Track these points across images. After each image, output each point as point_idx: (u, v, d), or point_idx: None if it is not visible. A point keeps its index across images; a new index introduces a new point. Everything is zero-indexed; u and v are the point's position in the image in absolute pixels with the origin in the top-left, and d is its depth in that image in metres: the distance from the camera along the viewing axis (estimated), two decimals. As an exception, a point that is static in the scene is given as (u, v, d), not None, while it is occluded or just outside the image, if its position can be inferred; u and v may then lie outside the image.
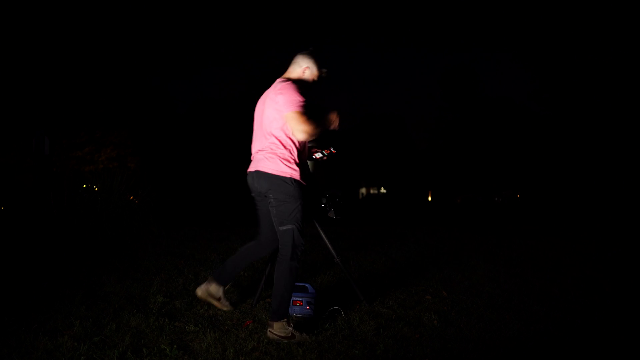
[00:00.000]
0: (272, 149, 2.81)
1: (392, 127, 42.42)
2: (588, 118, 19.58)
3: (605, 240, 7.62)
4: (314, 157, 3.10)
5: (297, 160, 2.85)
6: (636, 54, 16.20)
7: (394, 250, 6.04)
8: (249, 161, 2.99)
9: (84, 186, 8.67)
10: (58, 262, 4.81)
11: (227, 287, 3.23)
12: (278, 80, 3.00)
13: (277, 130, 2.81)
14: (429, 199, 39.93)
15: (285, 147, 2.81)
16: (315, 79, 3.02)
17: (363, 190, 47.95)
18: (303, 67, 3.00)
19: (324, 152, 3.11)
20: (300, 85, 2.89)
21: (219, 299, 3.15)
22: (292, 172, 2.80)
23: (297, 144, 2.86)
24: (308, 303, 3.10)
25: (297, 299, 3.11)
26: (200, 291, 3.14)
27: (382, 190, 48.21)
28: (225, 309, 3.16)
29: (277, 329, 2.70)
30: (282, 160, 2.79)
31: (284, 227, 2.78)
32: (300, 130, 2.72)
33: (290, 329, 2.70)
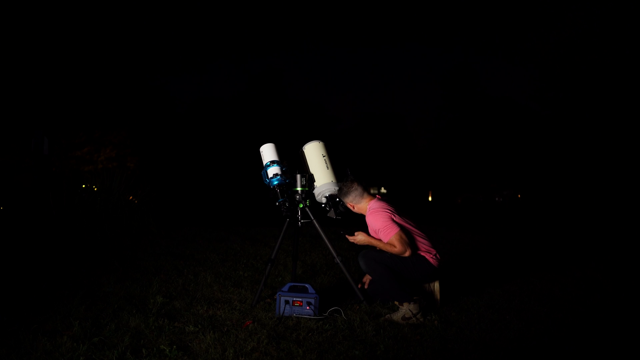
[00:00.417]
0: None
1: (393, 126, 42.42)
2: (590, 118, 19.58)
3: (607, 240, 7.61)
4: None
5: None
6: (638, 54, 16.22)
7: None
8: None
9: (83, 186, 8.65)
10: (57, 263, 4.80)
11: None
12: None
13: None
14: (430, 199, 39.91)
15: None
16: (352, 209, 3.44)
17: (363, 190, 47.84)
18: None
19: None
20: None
21: None
22: None
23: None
24: (308, 303, 3.09)
25: (297, 299, 3.10)
26: None
27: (383, 190, 48.20)
28: None
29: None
30: None
31: None
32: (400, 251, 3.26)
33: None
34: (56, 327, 2.80)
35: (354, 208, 3.34)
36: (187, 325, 2.88)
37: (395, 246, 3.10)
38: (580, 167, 22.43)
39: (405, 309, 3.04)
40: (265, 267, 3.51)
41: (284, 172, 3.33)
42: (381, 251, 3.16)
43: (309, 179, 3.42)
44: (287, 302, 3.11)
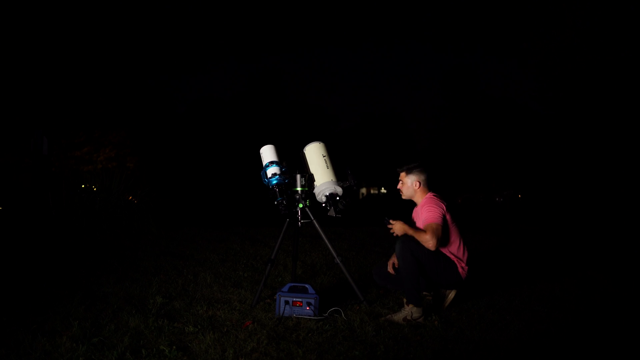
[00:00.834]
0: None
1: (393, 126, 42.45)
2: (591, 118, 19.54)
3: (607, 241, 7.61)
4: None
5: None
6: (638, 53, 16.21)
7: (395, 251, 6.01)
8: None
9: (83, 186, 8.65)
10: (56, 263, 4.79)
11: None
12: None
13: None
14: (429, 199, 39.88)
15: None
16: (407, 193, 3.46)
17: (363, 190, 47.97)
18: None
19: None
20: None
21: None
22: None
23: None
24: (308, 304, 3.09)
25: (297, 299, 3.09)
26: None
27: (383, 190, 48.22)
28: None
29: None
30: None
31: None
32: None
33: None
34: (55, 327, 2.79)
35: (416, 186, 3.36)
36: (186, 325, 2.87)
37: (426, 233, 3.08)
38: (581, 167, 22.40)
39: (408, 311, 3.03)
40: (265, 268, 3.50)
41: (283, 172, 3.35)
42: (420, 245, 3.12)
43: (309, 179, 3.42)
44: (287, 302, 3.10)
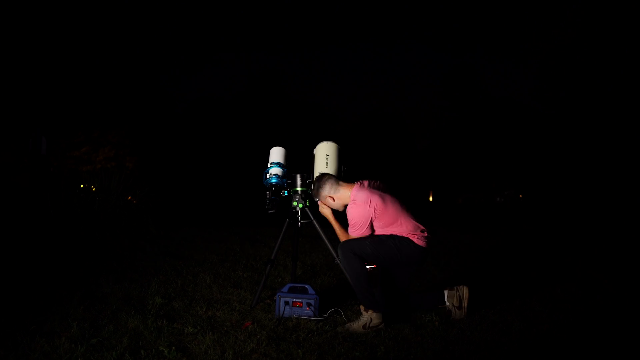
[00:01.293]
0: None
1: (393, 126, 42.41)
2: (592, 117, 19.53)
3: (608, 241, 7.61)
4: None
5: None
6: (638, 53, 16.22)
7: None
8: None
9: (82, 186, 8.64)
10: (55, 263, 4.77)
11: None
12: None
13: None
14: (430, 199, 39.92)
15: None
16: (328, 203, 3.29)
17: (363, 191, 47.81)
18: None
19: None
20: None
21: None
22: None
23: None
24: (308, 304, 3.07)
25: (297, 300, 3.08)
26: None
27: (383, 190, 48.07)
28: None
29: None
30: None
31: None
32: None
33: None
34: (54, 328, 2.78)
35: (334, 200, 3.16)
36: (186, 326, 2.86)
37: (347, 232, 3.13)
38: (582, 166, 22.38)
39: (367, 317, 2.92)
40: (265, 268, 3.49)
41: (283, 175, 3.38)
42: (361, 242, 3.03)
43: (309, 179, 3.42)
44: (286, 303, 3.09)
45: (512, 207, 23.85)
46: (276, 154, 3.51)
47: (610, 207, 17.46)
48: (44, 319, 2.92)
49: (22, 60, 23.54)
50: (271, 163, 3.45)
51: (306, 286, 3.20)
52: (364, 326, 2.90)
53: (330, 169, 3.34)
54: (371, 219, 3.06)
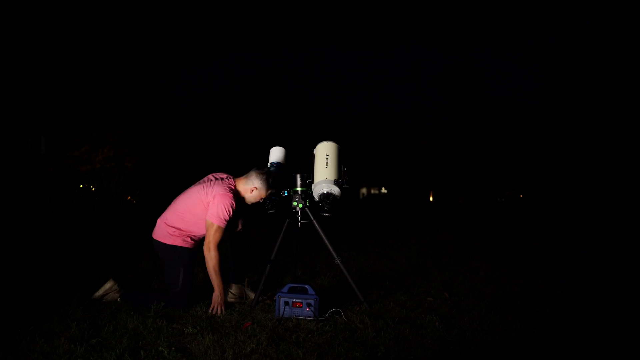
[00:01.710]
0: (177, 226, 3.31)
1: (393, 126, 42.41)
2: (593, 117, 19.50)
3: (609, 241, 7.60)
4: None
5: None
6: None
7: (395, 251, 6.01)
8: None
9: (81, 186, 8.63)
10: (55, 264, 4.76)
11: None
12: (226, 178, 3.35)
13: (191, 216, 3.30)
14: (431, 199, 39.93)
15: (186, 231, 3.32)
16: (260, 200, 3.36)
17: (364, 191, 47.93)
18: (251, 187, 3.31)
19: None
20: (237, 199, 3.28)
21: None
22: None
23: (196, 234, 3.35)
24: (308, 305, 3.07)
25: (297, 300, 3.07)
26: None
27: (383, 190, 48.19)
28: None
29: None
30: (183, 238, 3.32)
31: None
32: (209, 242, 3.16)
33: None
34: (53, 328, 2.77)
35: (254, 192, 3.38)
36: (185, 326, 2.85)
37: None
38: (583, 166, 22.36)
39: None
40: (265, 268, 3.48)
41: (283, 175, 3.40)
42: None
43: (308, 179, 3.42)
44: (286, 303, 3.08)
45: (513, 207, 23.83)
46: (275, 154, 3.52)
47: (610, 207, 17.46)
48: (44, 319, 2.91)
49: (21, 60, 23.53)
50: (271, 163, 3.47)
51: (306, 286, 3.19)
52: None
53: (331, 169, 3.33)
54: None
